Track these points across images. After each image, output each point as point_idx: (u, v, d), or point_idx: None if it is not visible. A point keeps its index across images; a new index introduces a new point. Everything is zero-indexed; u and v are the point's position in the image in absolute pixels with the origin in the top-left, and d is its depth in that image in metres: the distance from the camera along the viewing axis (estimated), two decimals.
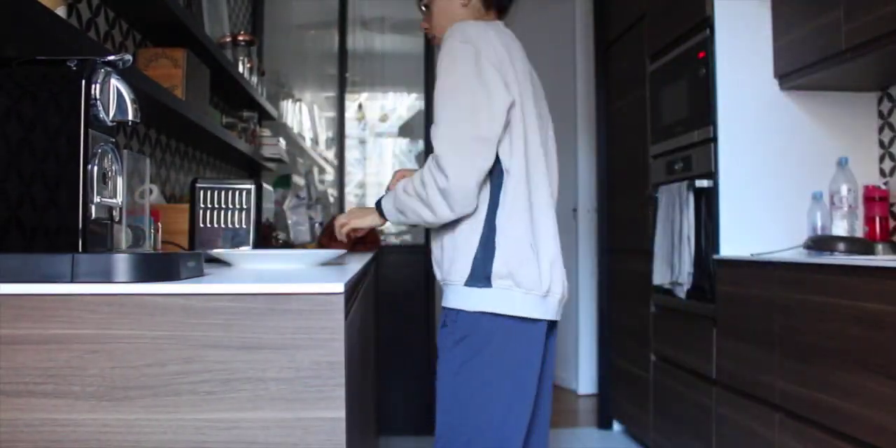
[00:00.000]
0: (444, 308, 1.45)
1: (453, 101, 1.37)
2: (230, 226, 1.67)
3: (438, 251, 1.49)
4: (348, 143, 4.53)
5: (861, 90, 2.34)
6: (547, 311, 1.44)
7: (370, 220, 1.55)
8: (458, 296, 1.42)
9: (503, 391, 1.40)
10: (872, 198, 2.24)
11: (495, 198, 1.42)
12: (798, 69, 2.17)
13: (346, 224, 1.58)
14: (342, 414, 0.85)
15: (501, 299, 1.39)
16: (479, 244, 1.40)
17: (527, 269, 1.39)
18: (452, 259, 1.43)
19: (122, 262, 0.86)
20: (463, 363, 1.40)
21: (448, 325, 1.43)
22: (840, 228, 2.22)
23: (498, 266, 1.38)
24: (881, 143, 2.35)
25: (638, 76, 2.93)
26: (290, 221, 2.73)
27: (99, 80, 0.95)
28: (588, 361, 4.00)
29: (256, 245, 1.68)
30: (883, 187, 2.26)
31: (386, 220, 1.52)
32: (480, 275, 1.39)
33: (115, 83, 0.98)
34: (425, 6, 1.62)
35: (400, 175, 1.61)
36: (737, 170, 2.28)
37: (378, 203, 1.52)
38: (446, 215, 1.38)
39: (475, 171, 1.34)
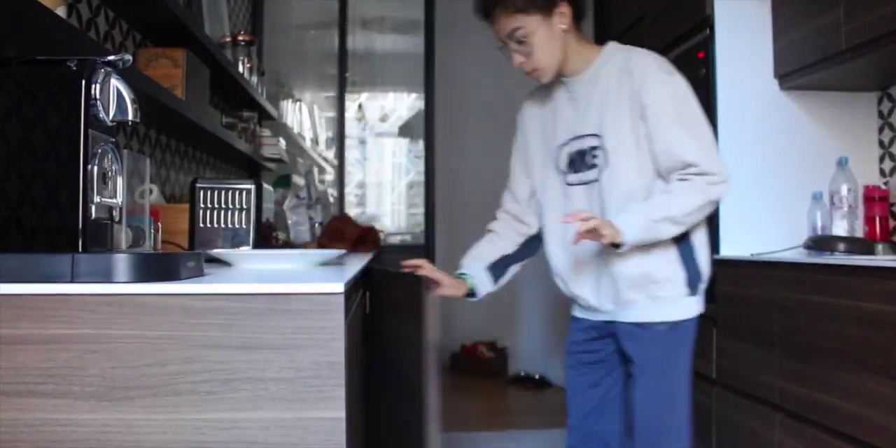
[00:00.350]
0: (662, 322, 1.52)
1: (702, 127, 1.49)
2: (230, 226, 1.67)
3: (643, 269, 1.50)
4: (348, 143, 4.53)
5: (861, 90, 2.34)
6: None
7: (613, 236, 1.40)
8: (682, 306, 1.53)
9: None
10: (872, 198, 2.23)
11: None
12: (798, 69, 2.17)
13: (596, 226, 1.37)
14: (342, 414, 0.85)
15: (700, 303, 1.57)
16: (681, 256, 1.52)
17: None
18: (668, 275, 1.51)
19: (122, 262, 0.86)
20: (686, 365, 1.57)
21: (672, 332, 1.53)
22: (840, 228, 2.22)
23: (704, 275, 1.54)
24: (881, 143, 2.35)
25: None
26: (290, 221, 2.73)
27: (99, 80, 0.95)
28: None
29: (256, 245, 1.68)
30: (883, 187, 2.26)
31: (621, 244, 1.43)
32: (695, 285, 1.53)
33: (115, 83, 0.98)
34: (519, 42, 1.49)
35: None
36: (737, 170, 2.27)
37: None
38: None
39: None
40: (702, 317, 1.56)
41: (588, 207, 1.53)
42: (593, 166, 1.54)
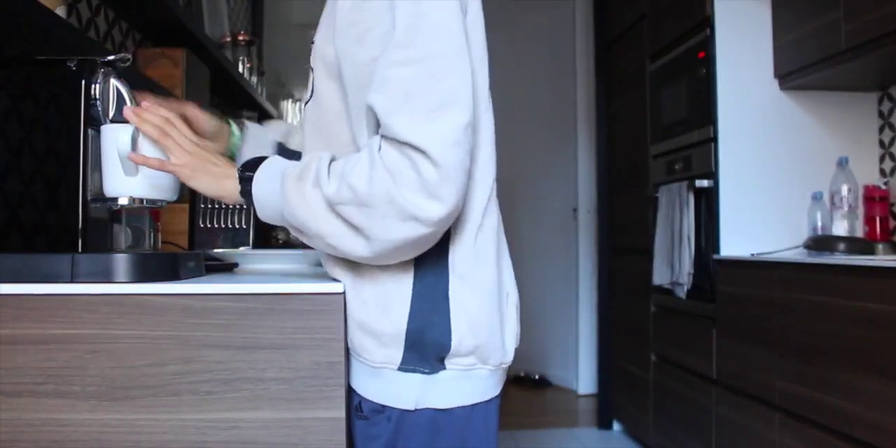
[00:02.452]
0: (362, 398, 0.89)
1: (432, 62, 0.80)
2: (230, 226, 1.67)
3: (351, 289, 0.89)
4: None
5: (861, 90, 2.34)
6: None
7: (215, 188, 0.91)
8: (386, 383, 0.87)
9: None
10: (872, 198, 2.24)
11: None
12: (798, 69, 2.17)
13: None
14: (342, 414, 0.85)
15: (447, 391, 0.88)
16: (415, 289, 0.86)
17: (495, 338, 0.89)
18: (373, 318, 0.87)
19: (122, 262, 0.86)
20: None
21: (374, 425, 0.89)
22: (840, 228, 2.22)
23: (462, 342, 0.85)
24: (881, 143, 2.35)
25: (638, 76, 2.93)
26: None
27: (99, 80, 0.95)
28: (588, 361, 4.00)
29: (256, 245, 1.68)
30: (883, 187, 2.26)
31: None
32: (425, 354, 0.86)
33: (115, 83, 0.98)
34: None
35: None
36: (737, 170, 2.28)
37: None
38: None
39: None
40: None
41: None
42: (306, 95, 0.98)
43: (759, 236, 2.26)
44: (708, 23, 2.32)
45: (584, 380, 4.01)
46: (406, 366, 0.85)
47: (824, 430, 1.71)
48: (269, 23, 3.85)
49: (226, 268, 1.22)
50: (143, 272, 0.86)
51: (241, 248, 1.64)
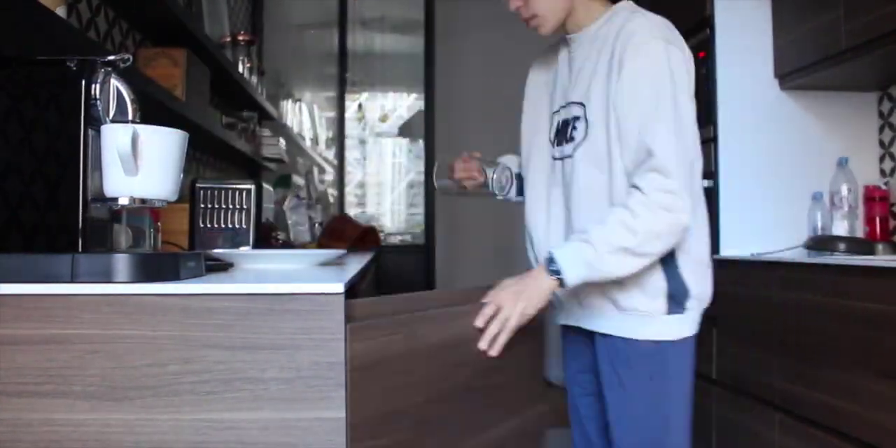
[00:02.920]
0: (629, 338, 1.29)
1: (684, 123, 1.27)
2: (230, 226, 1.67)
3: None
4: (348, 143, 4.53)
5: (861, 90, 2.34)
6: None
7: (543, 299, 1.19)
8: (657, 324, 1.29)
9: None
10: (872, 198, 2.24)
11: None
12: (798, 69, 2.17)
13: (511, 316, 1.13)
14: (342, 414, 0.85)
15: (689, 323, 1.33)
16: (662, 262, 1.27)
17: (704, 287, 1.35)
18: (640, 282, 1.27)
19: (122, 262, 0.86)
20: (673, 394, 1.34)
21: (645, 354, 1.30)
22: (840, 228, 2.22)
23: (692, 291, 1.31)
24: (881, 143, 2.35)
25: None
26: (290, 221, 2.73)
27: (99, 80, 0.95)
28: None
29: (256, 245, 1.68)
30: (883, 187, 2.26)
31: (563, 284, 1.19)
32: (680, 301, 1.30)
33: (115, 83, 0.98)
34: None
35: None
36: (737, 170, 2.28)
37: (558, 266, 1.17)
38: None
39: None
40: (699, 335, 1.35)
41: (548, 186, 1.39)
42: (572, 139, 1.33)
43: (759, 236, 2.26)
44: (708, 23, 2.32)
45: None
46: (670, 311, 1.28)
47: (824, 430, 1.71)
48: (269, 23, 3.85)
49: (220, 268, 1.22)
50: (143, 272, 0.86)
51: (242, 248, 1.64)
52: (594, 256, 1.16)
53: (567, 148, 1.33)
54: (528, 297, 1.15)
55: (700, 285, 1.32)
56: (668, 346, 1.29)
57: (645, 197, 1.18)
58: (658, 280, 1.27)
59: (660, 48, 1.23)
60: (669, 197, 1.18)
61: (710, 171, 2.30)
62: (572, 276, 1.17)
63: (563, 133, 1.36)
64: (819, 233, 2.24)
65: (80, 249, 0.92)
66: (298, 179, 3.40)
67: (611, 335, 1.31)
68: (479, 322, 1.10)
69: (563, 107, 1.37)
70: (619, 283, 1.25)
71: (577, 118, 1.32)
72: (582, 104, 1.31)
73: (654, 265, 1.25)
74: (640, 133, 1.21)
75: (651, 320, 1.28)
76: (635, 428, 1.33)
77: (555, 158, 1.39)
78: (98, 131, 0.95)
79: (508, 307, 1.12)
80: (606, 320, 1.31)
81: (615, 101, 1.24)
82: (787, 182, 2.29)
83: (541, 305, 1.17)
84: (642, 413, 1.32)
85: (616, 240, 1.16)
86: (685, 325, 1.31)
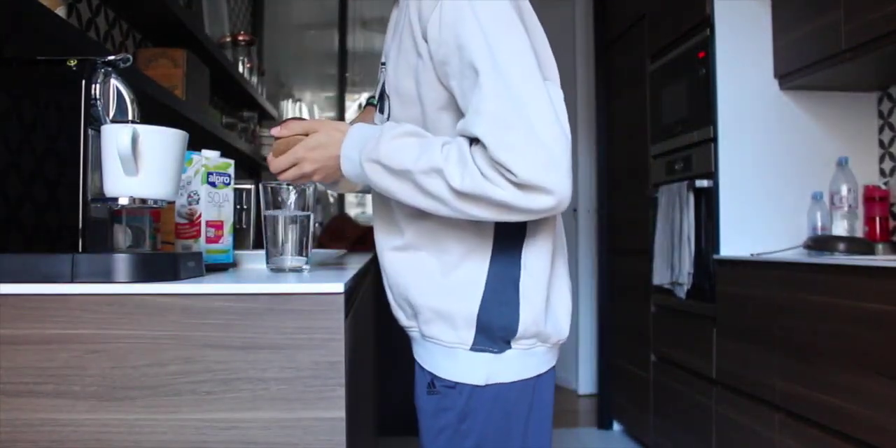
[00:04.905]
0: (433, 375, 1.02)
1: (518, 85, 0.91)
2: None
3: (409, 274, 1.03)
4: None
5: (861, 90, 2.34)
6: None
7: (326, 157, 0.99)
8: (459, 362, 1.00)
9: None
10: (872, 198, 2.24)
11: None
12: (798, 69, 2.17)
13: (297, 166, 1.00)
14: (342, 414, 0.85)
15: (515, 366, 1.01)
16: (490, 276, 0.99)
17: (552, 321, 1.03)
18: (444, 304, 0.99)
19: (122, 262, 0.86)
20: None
21: (443, 397, 1.02)
22: (840, 228, 2.22)
23: (526, 326, 0.99)
24: (881, 143, 2.35)
25: (638, 76, 2.93)
26: None
27: (99, 80, 0.95)
28: (588, 361, 4.00)
29: (256, 245, 1.68)
30: (883, 187, 2.26)
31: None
32: (493, 337, 0.99)
33: (115, 83, 0.98)
34: None
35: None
36: (737, 170, 2.28)
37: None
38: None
39: None
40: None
41: None
42: (383, 113, 1.07)
43: (759, 236, 2.26)
44: (708, 23, 2.32)
45: (584, 380, 4.01)
46: (477, 346, 0.98)
47: (824, 430, 1.71)
48: (269, 23, 3.85)
49: (220, 268, 1.23)
50: (143, 272, 0.86)
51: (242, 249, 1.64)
52: (378, 151, 0.91)
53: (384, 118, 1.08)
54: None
55: (544, 319, 1.00)
56: (474, 394, 0.99)
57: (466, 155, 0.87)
58: (468, 300, 0.98)
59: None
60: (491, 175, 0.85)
61: (710, 171, 2.30)
62: (347, 165, 0.96)
63: (382, 100, 1.09)
64: (819, 233, 2.24)
65: (80, 249, 0.92)
66: None
67: (421, 365, 1.05)
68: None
69: (383, 64, 1.11)
70: (410, 299, 1.01)
71: (383, 91, 1.07)
72: (383, 63, 1.10)
73: (476, 272, 0.97)
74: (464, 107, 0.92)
75: (451, 356, 1.00)
76: None
77: None
78: (98, 131, 0.95)
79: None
80: (417, 344, 1.06)
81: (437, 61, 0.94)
82: (787, 182, 2.30)
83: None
84: None
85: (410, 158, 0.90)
86: (505, 369, 0.99)
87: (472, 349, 0.98)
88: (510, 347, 0.99)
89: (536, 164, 0.82)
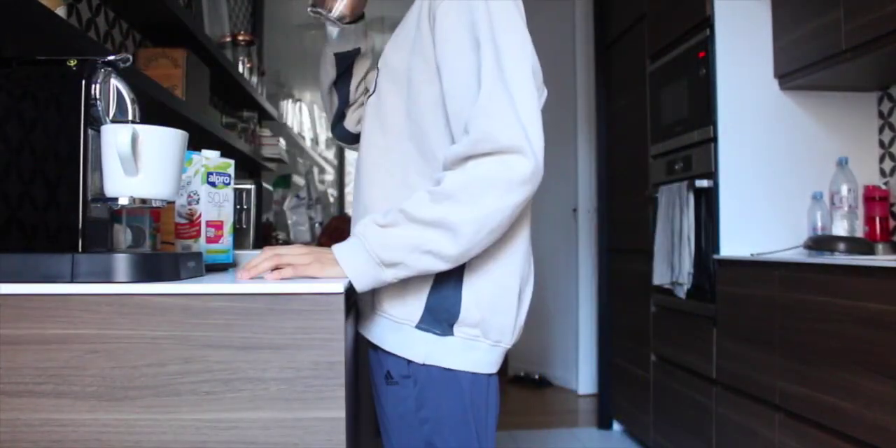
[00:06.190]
0: (394, 355, 1.07)
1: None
2: None
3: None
4: None
5: (861, 90, 2.34)
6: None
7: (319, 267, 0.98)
8: (409, 341, 1.05)
9: None
10: (872, 198, 2.24)
11: None
12: (798, 69, 2.17)
13: (281, 260, 0.97)
14: (342, 414, 0.85)
15: (459, 354, 1.05)
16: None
17: (497, 317, 1.06)
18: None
19: (122, 262, 0.86)
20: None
21: (408, 380, 1.07)
22: (840, 228, 2.22)
23: (469, 314, 1.04)
24: (881, 143, 2.35)
25: (638, 76, 2.93)
26: (290, 221, 2.73)
27: (99, 80, 0.95)
28: (588, 361, 4.00)
29: (256, 245, 1.68)
30: (883, 187, 2.27)
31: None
32: (439, 319, 1.04)
33: (115, 83, 0.98)
34: None
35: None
36: (737, 170, 2.28)
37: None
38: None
39: None
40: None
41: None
42: (370, 90, 1.17)
43: (759, 236, 2.26)
44: (708, 23, 2.32)
45: (584, 380, 4.01)
46: (422, 325, 1.04)
47: (824, 430, 1.71)
48: (269, 23, 3.85)
49: (220, 268, 1.23)
50: (144, 272, 0.86)
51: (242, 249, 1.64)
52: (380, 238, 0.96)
53: (369, 103, 1.16)
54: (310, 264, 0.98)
55: (489, 308, 1.04)
56: (432, 375, 1.03)
57: (460, 172, 0.95)
58: (419, 278, 1.02)
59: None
60: (488, 162, 0.94)
61: (710, 172, 2.30)
62: (357, 276, 0.97)
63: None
64: (819, 233, 2.24)
65: (80, 249, 0.92)
66: (298, 179, 3.40)
67: (377, 346, 1.09)
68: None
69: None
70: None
71: (375, 69, 1.18)
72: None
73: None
74: (456, 97, 1.01)
75: (403, 334, 1.05)
76: None
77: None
78: (98, 131, 0.95)
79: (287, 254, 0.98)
80: (379, 325, 1.09)
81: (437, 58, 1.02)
82: (787, 182, 2.30)
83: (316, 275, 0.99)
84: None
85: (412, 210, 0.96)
86: (450, 353, 1.03)
87: (417, 327, 1.04)
88: (453, 334, 1.04)
89: (513, 133, 0.92)
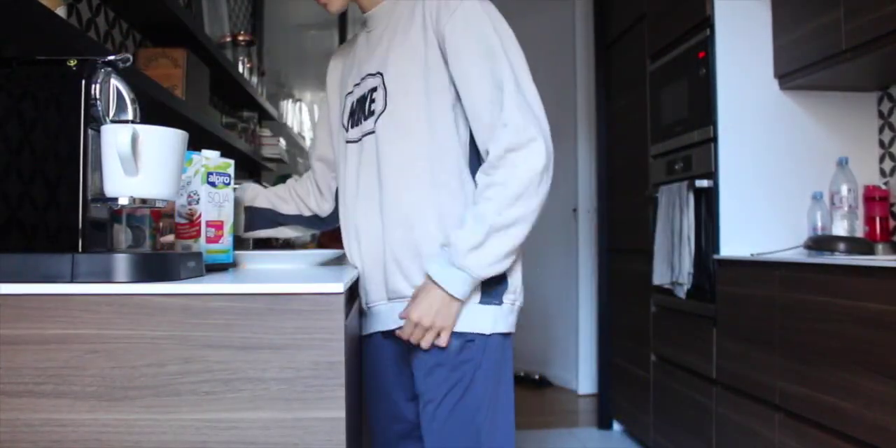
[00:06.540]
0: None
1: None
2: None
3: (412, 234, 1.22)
4: None
5: (861, 90, 2.34)
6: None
7: (455, 310, 1.17)
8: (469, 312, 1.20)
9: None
10: (872, 198, 2.24)
11: None
12: (798, 69, 2.17)
13: (435, 328, 1.16)
14: (342, 414, 0.85)
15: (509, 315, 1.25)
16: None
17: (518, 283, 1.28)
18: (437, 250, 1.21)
19: (122, 262, 0.86)
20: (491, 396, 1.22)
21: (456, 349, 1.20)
22: (840, 228, 2.22)
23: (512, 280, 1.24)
24: (881, 143, 2.35)
25: (638, 76, 2.93)
26: None
27: (99, 80, 0.95)
28: (588, 361, 4.00)
29: (256, 245, 1.68)
30: (883, 187, 2.26)
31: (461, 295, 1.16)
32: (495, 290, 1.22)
33: (115, 83, 0.98)
34: None
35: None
36: (737, 170, 2.28)
37: (451, 269, 1.14)
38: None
39: None
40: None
41: (357, 171, 1.26)
42: (371, 113, 1.23)
43: (759, 236, 2.26)
44: (708, 23, 2.32)
45: (584, 380, 4.01)
46: (485, 298, 1.19)
47: (824, 430, 1.71)
48: (269, 23, 3.85)
49: (220, 268, 1.23)
50: (143, 272, 0.86)
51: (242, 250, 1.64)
52: (486, 235, 1.12)
53: (368, 124, 1.24)
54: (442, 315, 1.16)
55: (515, 277, 1.25)
56: (479, 342, 1.19)
57: (507, 165, 1.13)
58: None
59: (470, 4, 1.18)
60: (520, 151, 1.13)
61: (710, 172, 2.30)
62: (455, 287, 1.14)
63: (360, 110, 1.28)
64: (819, 233, 2.24)
65: (80, 249, 0.92)
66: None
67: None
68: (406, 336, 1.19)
69: (357, 84, 1.30)
70: (419, 251, 1.19)
71: (374, 89, 1.23)
72: (379, 74, 1.24)
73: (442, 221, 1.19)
74: (489, 101, 1.16)
75: (466, 308, 1.19)
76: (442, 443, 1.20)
77: (352, 141, 1.29)
78: (98, 131, 0.95)
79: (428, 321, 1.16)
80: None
81: (453, 68, 1.18)
82: (787, 182, 2.30)
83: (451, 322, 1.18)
84: (450, 428, 1.19)
85: (498, 213, 1.13)
86: (500, 320, 1.21)
87: (481, 302, 1.19)
88: (503, 302, 1.21)
89: (534, 125, 1.13)
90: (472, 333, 1.18)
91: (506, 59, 1.16)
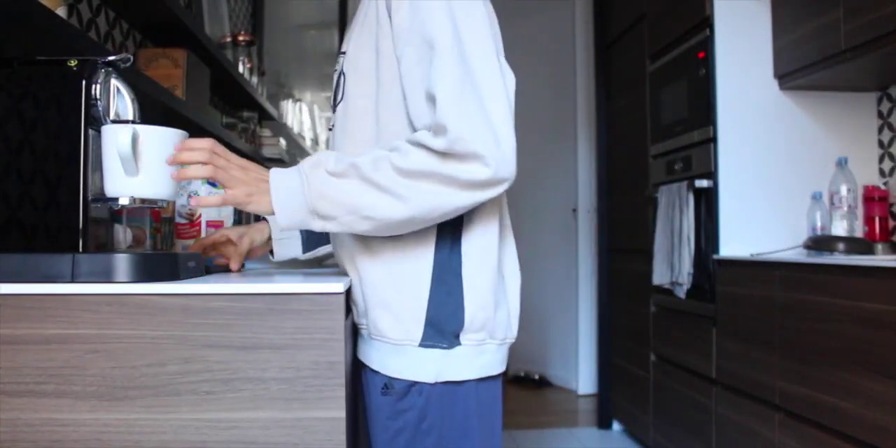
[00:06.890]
0: (382, 375, 1.00)
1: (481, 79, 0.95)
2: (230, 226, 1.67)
3: (374, 272, 1.00)
4: None
5: (861, 90, 2.34)
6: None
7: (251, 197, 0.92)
8: (409, 359, 0.98)
9: None
10: (872, 198, 2.24)
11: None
12: (798, 69, 2.17)
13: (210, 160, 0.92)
14: (342, 414, 0.85)
15: (468, 364, 1.00)
16: (435, 271, 0.98)
17: (501, 313, 1.02)
18: (398, 298, 0.99)
19: (122, 262, 0.86)
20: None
21: (397, 399, 1.00)
22: (840, 228, 2.22)
23: (474, 320, 0.98)
24: (881, 143, 2.35)
25: (638, 76, 2.93)
26: None
27: (99, 80, 0.95)
28: (588, 361, 4.00)
29: None
30: (883, 187, 2.27)
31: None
32: (443, 331, 0.98)
33: (115, 83, 0.98)
34: None
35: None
36: (737, 170, 2.28)
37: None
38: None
39: None
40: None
41: None
42: (336, 100, 1.07)
43: (759, 236, 2.26)
44: (708, 23, 2.32)
45: (584, 380, 4.01)
46: (426, 342, 0.97)
47: (824, 430, 1.71)
48: (269, 23, 3.85)
49: (220, 268, 1.23)
50: (144, 272, 0.86)
51: None
52: (317, 173, 0.90)
53: (338, 111, 1.06)
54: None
55: (491, 311, 0.99)
56: (424, 388, 0.98)
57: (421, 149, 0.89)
58: (419, 294, 0.97)
59: None
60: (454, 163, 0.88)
61: (710, 171, 2.30)
62: (278, 198, 0.91)
63: (335, 93, 1.09)
64: (818, 233, 2.24)
65: (80, 249, 0.92)
66: None
67: (366, 365, 1.03)
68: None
69: (338, 62, 1.12)
70: (380, 294, 0.98)
71: (342, 73, 1.06)
72: (342, 53, 1.08)
73: (423, 267, 0.97)
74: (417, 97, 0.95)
75: (400, 353, 0.98)
76: None
77: (330, 129, 1.12)
78: (98, 131, 0.95)
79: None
80: (364, 343, 1.04)
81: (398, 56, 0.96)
82: (786, 182, 2.30)
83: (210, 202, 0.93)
84: None
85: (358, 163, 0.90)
86: (454, 366, 0.98)
87: (421, 345, 0.97)
88: (460, 343, 0.98)
89: (478, 136, 0.86)
90: (410, 380, 0.98)
91: (457, 49, 0.90)
